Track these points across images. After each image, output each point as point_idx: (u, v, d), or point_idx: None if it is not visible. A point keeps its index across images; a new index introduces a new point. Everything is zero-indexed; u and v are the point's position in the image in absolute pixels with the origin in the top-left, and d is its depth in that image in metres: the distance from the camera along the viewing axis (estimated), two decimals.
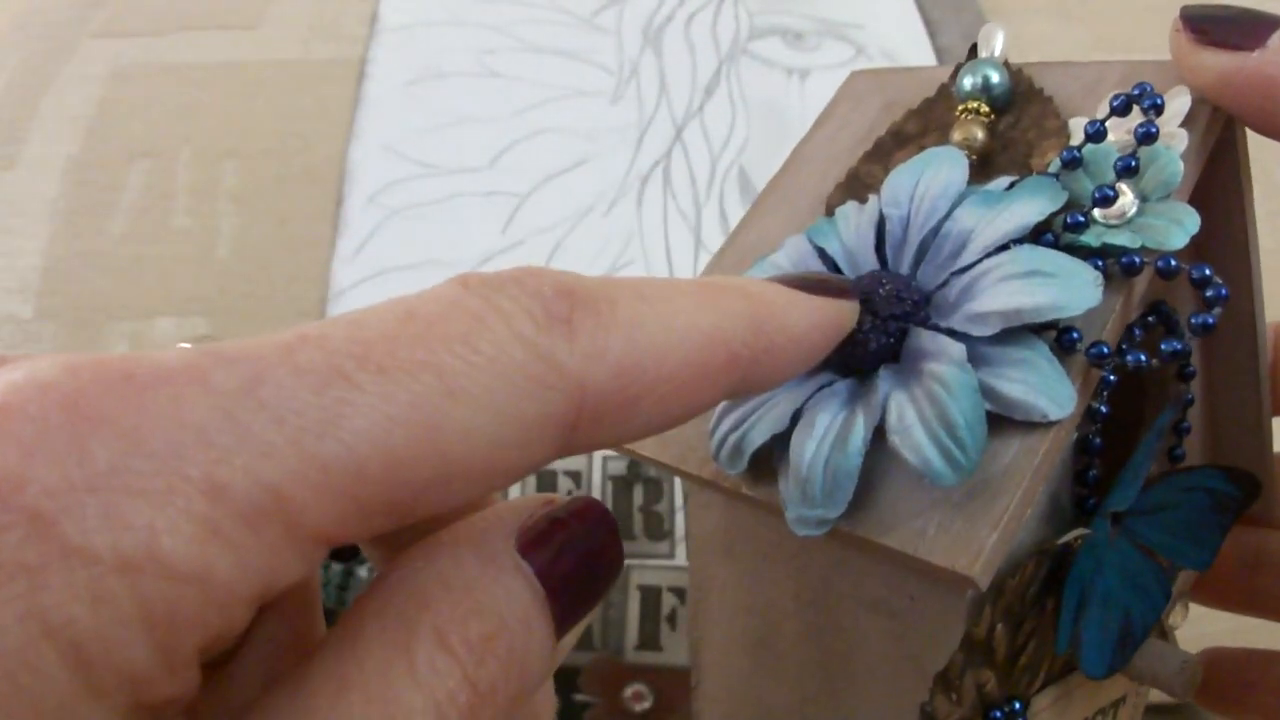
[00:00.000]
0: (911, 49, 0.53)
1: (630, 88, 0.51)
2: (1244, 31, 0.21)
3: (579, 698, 0.44)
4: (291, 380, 0.14)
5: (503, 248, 0.46)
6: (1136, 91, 0.21)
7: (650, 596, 0.43)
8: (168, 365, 0.13)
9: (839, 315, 0.19)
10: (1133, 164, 0.21)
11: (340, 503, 0.14)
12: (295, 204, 0.47)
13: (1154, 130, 0.21)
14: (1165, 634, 0.27)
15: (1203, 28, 0.22)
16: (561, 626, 0.17)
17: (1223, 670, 0.30)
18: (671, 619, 0.43)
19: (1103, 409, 0.21)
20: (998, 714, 0.22)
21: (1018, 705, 0.22)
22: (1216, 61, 0.22)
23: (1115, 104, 0.21)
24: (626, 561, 0.44)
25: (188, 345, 0.15)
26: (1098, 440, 0.22)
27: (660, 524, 0.44)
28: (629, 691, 0.44)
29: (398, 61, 0.52)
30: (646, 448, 0.24)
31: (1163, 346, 0.20)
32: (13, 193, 0.47)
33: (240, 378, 0.13)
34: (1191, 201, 0.22)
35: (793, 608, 0.24)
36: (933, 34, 0.54)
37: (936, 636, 0.21)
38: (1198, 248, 0.25)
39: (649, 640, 0.43)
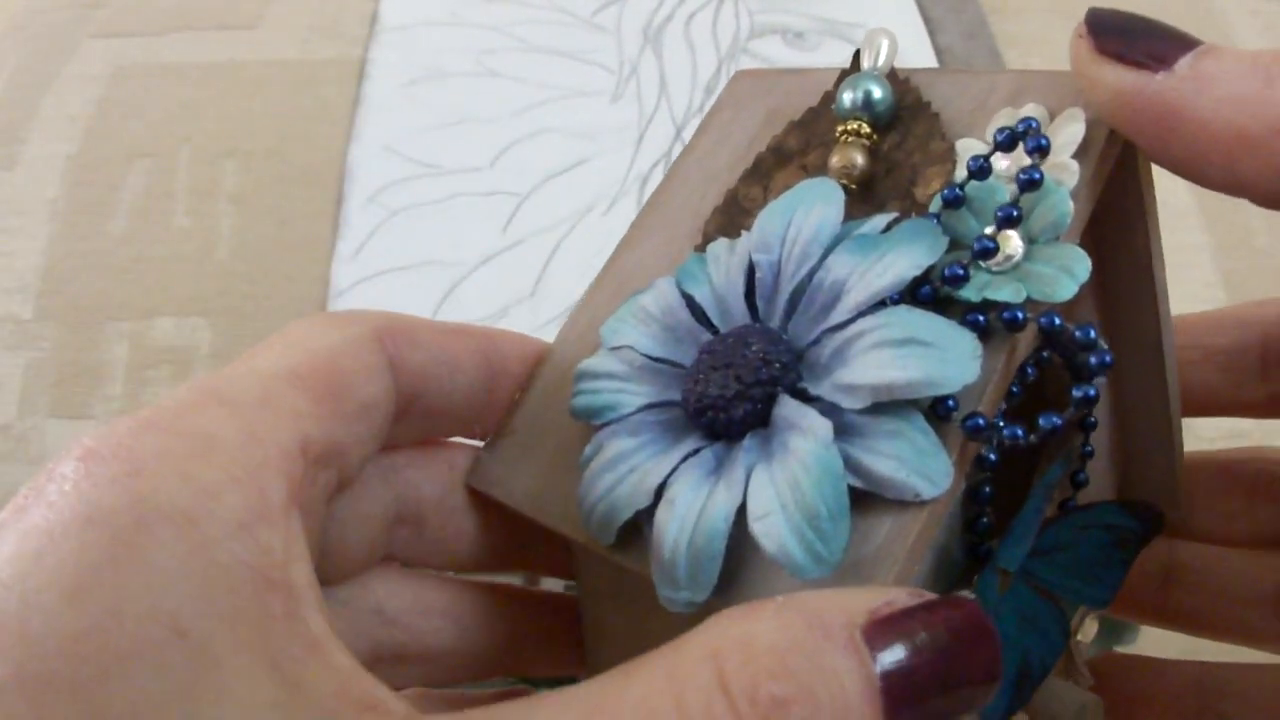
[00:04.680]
0: (911, 49, 0.53)
1: (630, 87, 0.51)
2: (1153, 49, 0.19)
3: None
4: None
5: (503, 248, 0.46)
6: (1021, 128, 0.20)
7: None
8: None
9: None
10: (1014, 214, 0.19)
11: None
12: (295, 204, 0.47)
13: (1038, 177, 0.19)
14: (1073, 658, 0.26)
15: (1108, 38, 0.20)
16: None
17: (1115, 679, 0.30)
18: None
19: (992, 457, 0.20)
20: None
21: None
22: (1117, 78, 0.19)
23: (1000, 139, 0.20)
24: None
25: None
26: (988, 489, 0.21)
27: None
28: None
29: (398, 61, 0.52)
30: (525, 506, 0.23)
31: (1040, 422, 0.19)
32: (13, 193, 0.47)
33: None
34: (1091, 224, 0.21)
35: None
36: (933, 33, 0.54)
37: None
38: (1100, 273, 0.23)
39: None
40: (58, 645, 0.14)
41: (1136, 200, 0.22)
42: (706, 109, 0.53)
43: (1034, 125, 0.20)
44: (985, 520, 0.21)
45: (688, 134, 0.50)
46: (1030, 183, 0.19)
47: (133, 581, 0.15)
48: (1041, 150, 0.20)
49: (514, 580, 0.33)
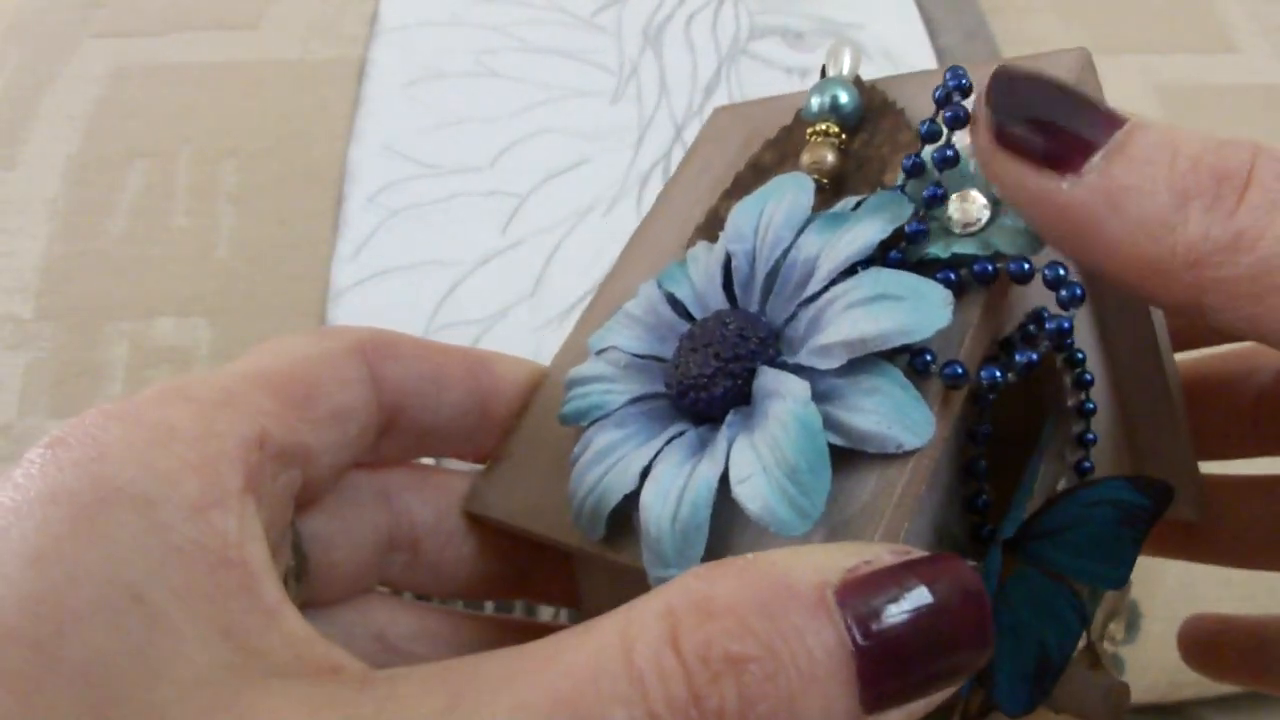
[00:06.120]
0: (911, 49, 0.53)
1: (630, 88, 0.51)
2: (1060, 139, 0.17)
3: None
4: None
5: (503, 248, 0.46)
6: (949, 76, 0.20)
7: None
8: None
9: None
10: (949, 154, 0.19)
11: None
12: (295, 204, 0.47)
13: (961, 114, 0.19)
14: (1098, 658, 0.25)
15: (1011, 122, 0.17)
16: (873, 697, 0.15)
17: (1200, 636, 0.30)
18: None
19: (985, 430, 0.20)
20: None
21: None
22: (1019, 179, 0.18)
23: (937, 97, 0.20)
24: None
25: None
26: (983, 463, 0.21)
27: None
28: None
29: (398, 61, 0.52)
30: (521, 520, 0.23)
31: (1017, 358, 0.19)
32: (13, 193, 0.47)
33: None
34: None
35: None
36: (933, 34, 0.54)
37: None
38: (1093, 290, 0.24)
39: None
40: (17, 604, 0.15)
41: None
42: (706, 110, 0.53)
43: (960, 71, 0.20)
44: (984, 498, 0.21)
45: (688, 134, 0.50)
46: (955, 120, 0.19)
47: (91, 552, 0.16)
48: (963, 90, 0.20)
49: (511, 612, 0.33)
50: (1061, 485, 0.24)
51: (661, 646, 0.14)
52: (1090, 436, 0.24)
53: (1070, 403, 0.24)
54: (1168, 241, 0.17)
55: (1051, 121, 0.17)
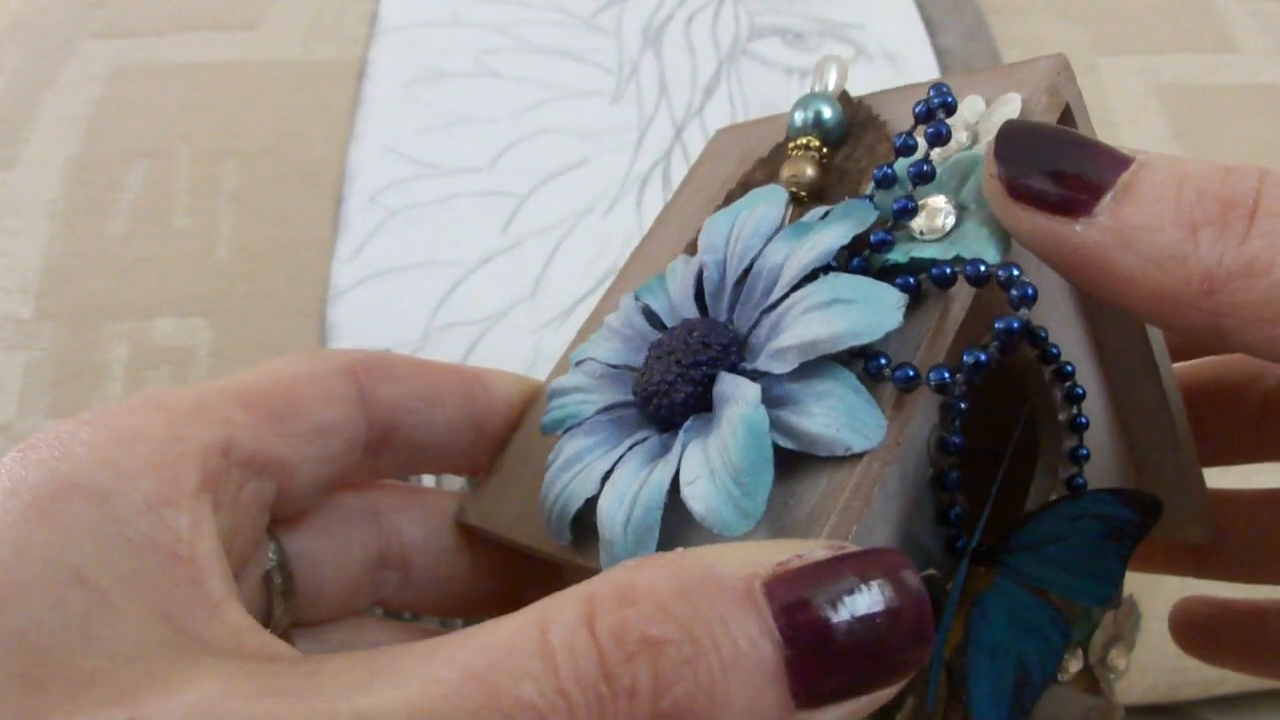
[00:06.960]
0: (911, 49, 0.53)
1: (630, 88, 0.51)
2: (1070, 185, 0.17)
3: None
4: None
5: (503, 248, 0.46)
6: (932, 93, 0.20)
7: None
8: None
9: None
10: (925, 169, 0.19)
11: None
12: (295, 204, 0.47)
13: (944, 131, 0.19)
14: (1096, 682, 0.25)
15: (1020, 175, 0.18)
16: (805, 692, 0.15)
17: (1195, 619, 0.30)
18: None
19: (956, 440, 0.20)
20: None
21: None
22: (1033, 226, 0.18)
23: (917, 111, 0.20)
24: None
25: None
26: (955, 474, 0.21)
27: None
28: None
29: (398, 61, 0.52)
30: (506, 530, 0.24)
31: (965, 358, 0.18)
32: (13, 193, 0.47)
33: None
34: None
35: None
36: (933, 34, 0.54)
37: None
38: (1086, 300, 0.24)
39: None
40: None
41: None
42: (707, 110, 0.53)
43: (944, 89, 0.20)
44: (958, 510, 0.21)
45: (687, 135, 0.50)
46: (937, 136, 0.19)
47: (41, 536, 0.17)
48: (947, 107, 0.20)
49: None
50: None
51: (576, 626, 0.15)
52: (1083, 452, 0.24)
53: (1062, 417, 0.23)
54: (1181, 272, 0.17)
55: (1060, 170, 0.18)
